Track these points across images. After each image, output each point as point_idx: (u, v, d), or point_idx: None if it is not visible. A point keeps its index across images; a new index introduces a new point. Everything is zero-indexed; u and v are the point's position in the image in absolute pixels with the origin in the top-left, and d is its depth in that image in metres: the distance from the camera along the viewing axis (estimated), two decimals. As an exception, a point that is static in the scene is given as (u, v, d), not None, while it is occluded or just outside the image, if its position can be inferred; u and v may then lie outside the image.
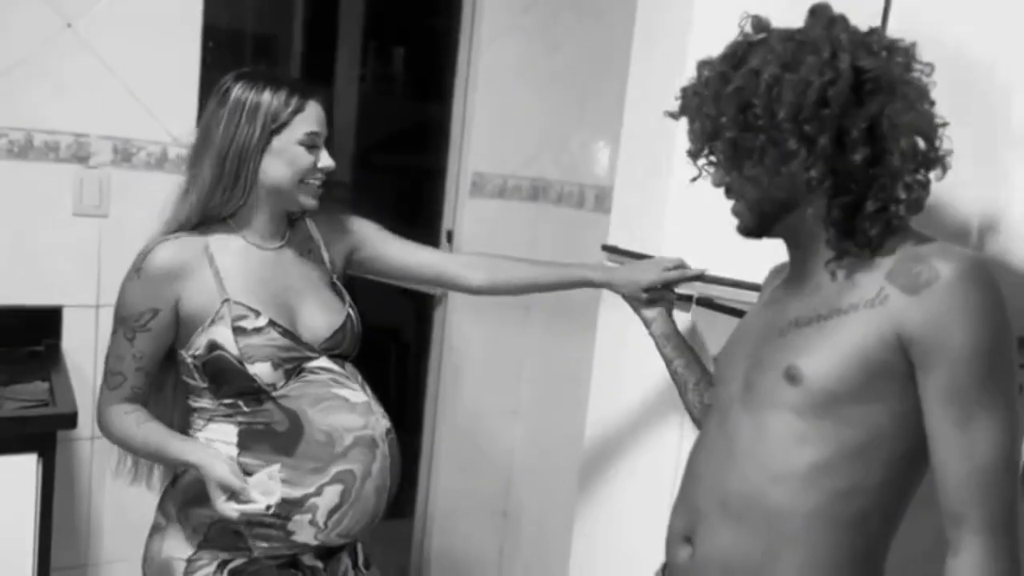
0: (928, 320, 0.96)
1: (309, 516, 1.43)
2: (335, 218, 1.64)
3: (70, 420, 1.77)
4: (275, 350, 1.44)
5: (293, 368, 1.46)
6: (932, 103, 1.04)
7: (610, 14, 2.40)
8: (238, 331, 1.42)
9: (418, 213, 3.05)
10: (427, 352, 2.79)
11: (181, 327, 1.45)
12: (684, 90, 1.12)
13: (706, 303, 1.66)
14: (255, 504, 1.38)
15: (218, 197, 1.45)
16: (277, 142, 1.44)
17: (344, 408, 1.48)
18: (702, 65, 1.10)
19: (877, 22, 1.31)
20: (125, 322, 1.45)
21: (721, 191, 1.18)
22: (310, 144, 1.46)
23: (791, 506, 1.03)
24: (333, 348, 1.53)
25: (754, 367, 1.10)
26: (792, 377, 1.02)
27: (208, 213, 1.46)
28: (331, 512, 1.44)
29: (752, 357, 1.12)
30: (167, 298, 1.43)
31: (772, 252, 1.23)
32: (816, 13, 1.08)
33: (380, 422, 1.52)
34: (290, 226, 1.57)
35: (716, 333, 1.65)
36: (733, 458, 1.08)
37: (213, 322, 1.42)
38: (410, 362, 3.10)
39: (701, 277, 1.57)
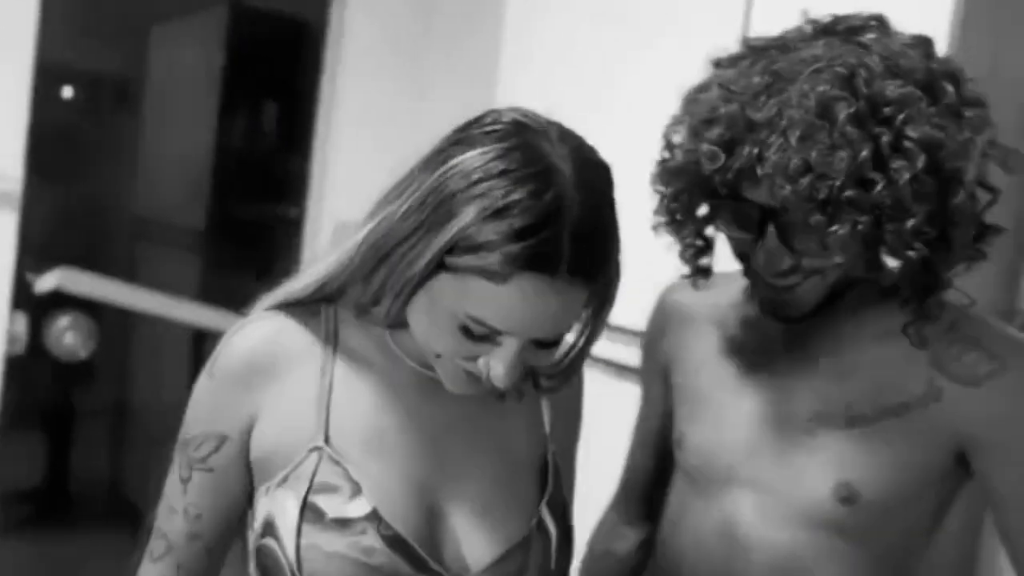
0: (998, 418, 0.87)
1: None
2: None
3: None
4: (362, 570, 0.78)
5: None
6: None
7: (475, 62, 2.38)
8: (311, 513, 0.79)
9: (273, 262, 2.95)
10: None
11: (256, 470, 0.85)
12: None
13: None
14: None
15: (342, 278, 0.85)
16: (437, 283, 0.77)
17: None
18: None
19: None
20: (183, 450, 0.86)
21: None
22: (473, 333, 0.77)
23: None
24: None
25: (773, 467, 0.94)
26: (846, 499, 0.90)
27: (328, 293, 0.88)
28: None
29: (758, 454, 0.94)
30: (239, 416, 0.84)
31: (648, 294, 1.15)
32: (923, 44, 0.87)
33: None
34: None
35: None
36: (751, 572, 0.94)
37: (287, 478, 0.82)
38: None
39: None
